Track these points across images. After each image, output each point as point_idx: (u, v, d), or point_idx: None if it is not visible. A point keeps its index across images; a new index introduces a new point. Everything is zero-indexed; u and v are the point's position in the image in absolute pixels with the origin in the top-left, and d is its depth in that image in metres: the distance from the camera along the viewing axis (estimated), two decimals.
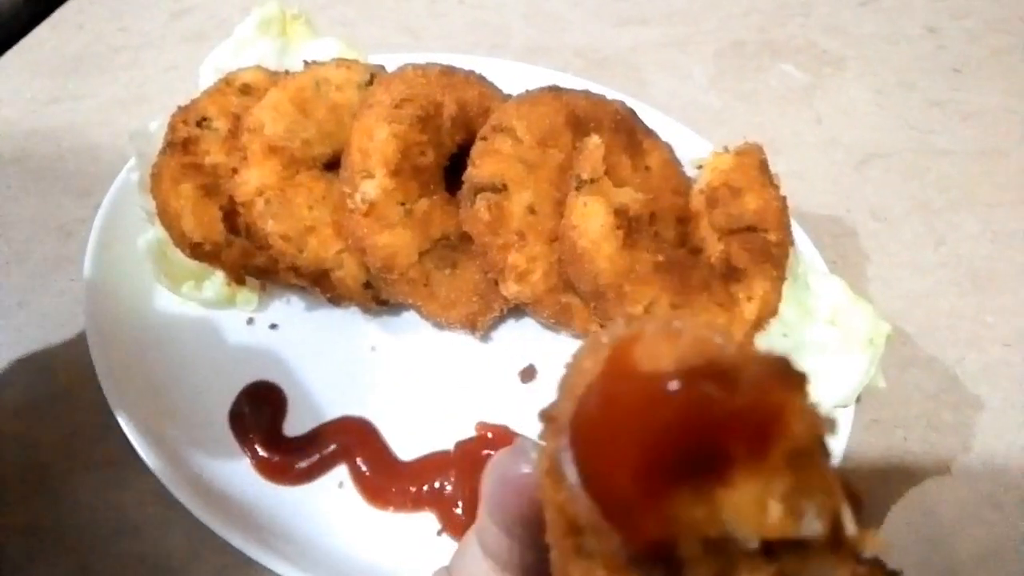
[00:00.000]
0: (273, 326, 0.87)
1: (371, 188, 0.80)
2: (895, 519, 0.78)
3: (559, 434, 0.29)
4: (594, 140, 0.82)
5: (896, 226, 1.05)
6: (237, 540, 0.67)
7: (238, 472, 0.76)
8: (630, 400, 0.26)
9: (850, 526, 0.24)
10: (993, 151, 1.16)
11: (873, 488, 0.80)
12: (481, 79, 0.90)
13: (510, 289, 0.82)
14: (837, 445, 0.76)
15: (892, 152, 1.15)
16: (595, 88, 0.93)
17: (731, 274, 0.81)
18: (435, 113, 0.84)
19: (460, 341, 0.87)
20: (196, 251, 0.82)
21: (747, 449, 0.23)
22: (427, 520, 0.74)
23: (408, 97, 0.83)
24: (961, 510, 0.79)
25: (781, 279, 0.81)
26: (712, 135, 1.00)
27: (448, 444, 0.79)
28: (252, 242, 0.82)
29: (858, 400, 0.79)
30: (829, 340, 0.78)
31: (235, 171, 0.82)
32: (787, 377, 0.24)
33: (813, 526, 0.24)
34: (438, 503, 0.75)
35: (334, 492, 0.76)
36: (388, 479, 0.76)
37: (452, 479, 0.76)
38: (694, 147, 0.96)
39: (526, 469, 0.36)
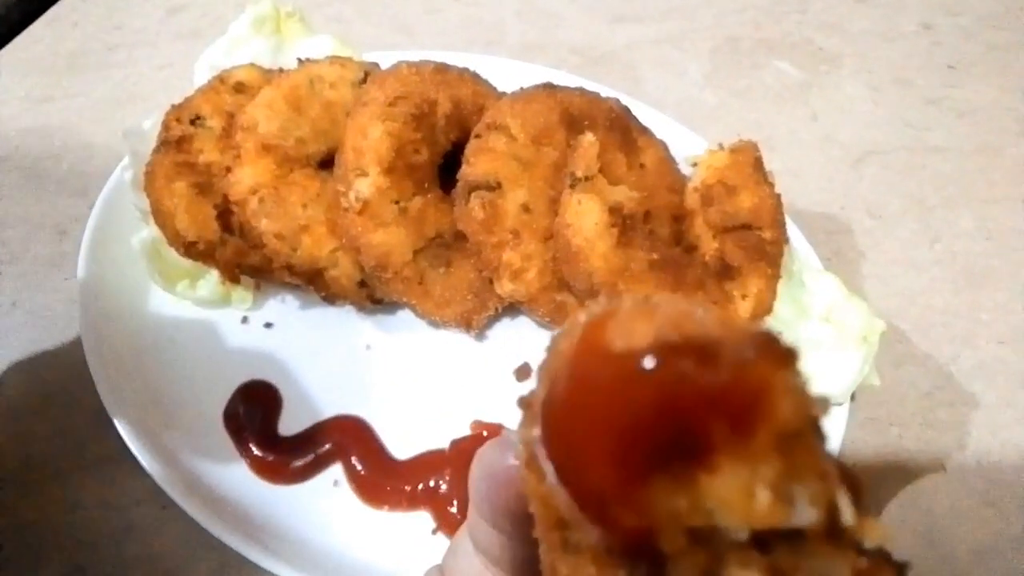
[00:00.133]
0: (268, 325, 0.87)
1: (365, 186, 0.80)
2: (890, 516, 0.78)
3: (535, 421, 0.27)
4: (588, 138, 0.82)
5: (891, 223, 1.05)
6: (232, 539, 0.67)
7: (233, 471, 0.76)
8: (602, 381, 0.23)
9: (848, 514, 0.22)
10: (988, 148, 1.16)
11: (868, 486, 0.80)
12: (475, 77, 0.90)
13: (505, 287, 0.82)
14: (832, 443, 0.76)
15: (887, 149, 1.15)
16: (590, 86, 0.93)
17: (726, 272, 0.81)
18: (429, 111, 0.84)
19: (455, 339, 0.87)
20: (190, 250, 0.82)
21: (731, 431, 0.21)
22: (422, 519, 0.74)
23: (402, 95, 0.83)
24: (956, 507, 0.79)
25: (776, 277, 0.81)
26: (707, 132, 1.00)
27: (443, 443, 0.79)
28: (246, 241, 0.82)
29: (853, 398, 0.80)
30: (824, 337, 0.78)
31: (229, 169, 0.82)
32: (774, 352, 0.22)
33: (806, 514, 0.22)
34: (433, 502, 0.75)
35: (329, 491, 0.76)
36: (383, 478, 0.76)
37: (447, 478, 0.76)
38: (689, 145, 0.96)
39: (512, 461, 0.34)
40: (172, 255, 0.84)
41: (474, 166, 0.82)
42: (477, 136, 0.84)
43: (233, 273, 0.85)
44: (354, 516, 0.74)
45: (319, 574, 0.67)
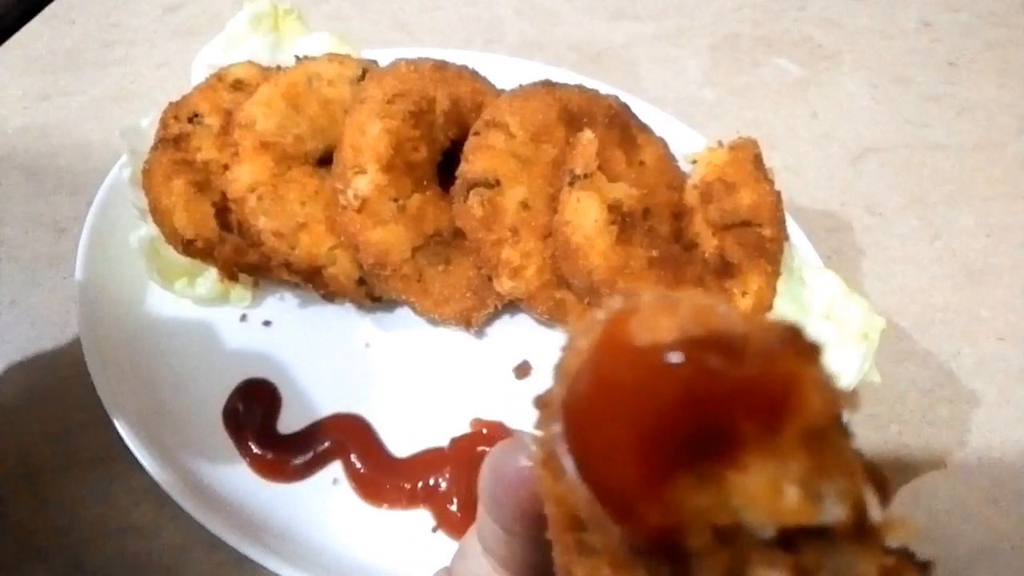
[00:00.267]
0: (266, 323, 0.87)
1: (363, 184, 0.80)
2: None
3: (553, 420, 0.26)
4: (587, 135, 0.82)
5: (891, 221, 1.05)
6: (231, 538, 0.67)
7: (232, 469, 0.75)
8: (626, 376, 0.23)
9: (875, 511, 0.22)
10: (988, 145, 1.15)
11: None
12: (474, 74, 0.90)
13: (504, 285, 0.82)
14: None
15: (887, 146, 1.15)
16: (589, 83, 0.93)
17: (725, 269, 0.81)
18: (428, 108, 0.84)
19: (454, 337, 0.87)
20: (188, 248, 0.81)
21: (758, 427, 0.21)
22: (422, 517, 0.74)
23: (400, 92, 0.83)
24: (957, 505, 0.79)
25: (775, 274, 0.81)
26: (706, 130, 1.00)
27: (443, 441, 0.78)
28: (245, 239, 0.81)
29: None
30: (823, 335, 0.78)
31: (227, 167, 0.82)
32: (800, 346, 0.22)
33: (834, 511, 0.21)
34: (433, 500, 0.75)
35: (328, 489, 0.75)
36: (383, 476, 0.76)
37: (447, 476, 0.76)
38: (688, 142, 0.95)
39: (524, 462, 0.34)
40: (170, 253, 0.84)
41: (473, 163, 0.82)
42: (476, 133, 0.84)
43: (231, 271, 0.85)
44: (353, 514, 0.74)
45: (318, 572, 0.67)
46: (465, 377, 0.84)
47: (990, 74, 1.26)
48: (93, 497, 0.76)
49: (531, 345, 0.87)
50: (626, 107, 0.92)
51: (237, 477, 0.75)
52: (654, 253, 0.79)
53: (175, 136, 0.84)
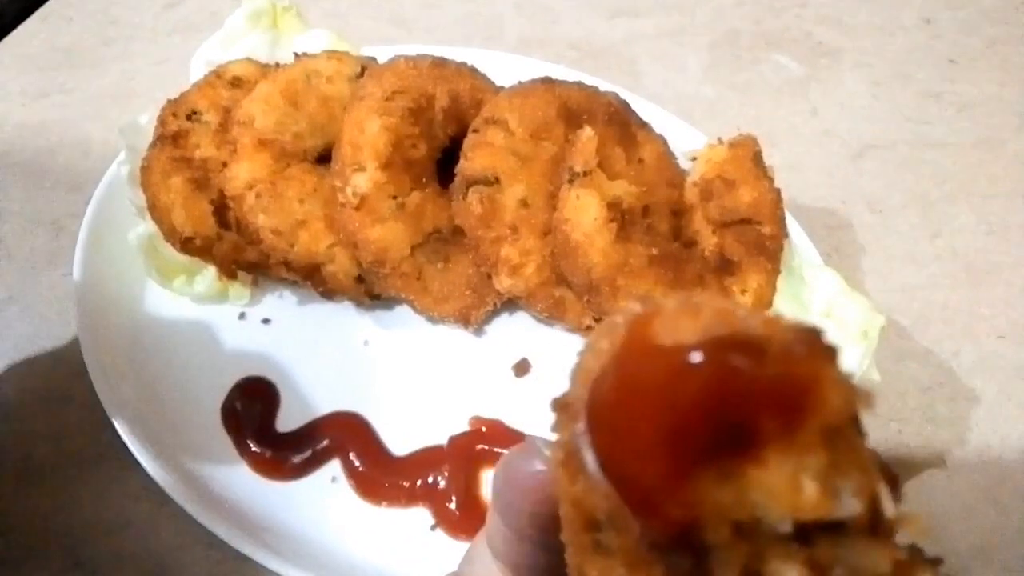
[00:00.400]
0: (265, 321, 0.87)
1: (362, 181, 0.79)
2: None
3: (575, 420, 0.27)
4: (587, 132, 0.82)
5: (891, 218, 1.05)
6: (230, 536, 0.67)
7: (230, 468, 0.75)
8: (651, 375, 0.24)
9: (889, 507, 0.23)
10: (989, 142, 1.15)
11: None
12: (473, 71, 0.90)
13: (503, 283, 0.82)
14: None
15: (887, 144, 1.15)
16: (588, 80, 0.92)
17: (725, 267, 0.80)
18: (427, 105, 0.84)
19: (453, 335, 0.87)
20: (187, 245, 0.81)
21: (779, 424, 0.22)
22: (420, 515, 0.74)
23: (399, 89, 0.82)
24: (956, 503, 0.79)
25: (775, 272, 0.81)
26: (706, 127, 1.00)
27: (441, 439, 0.78)
28: (243, 236, 0.81)
29: None
30: None
31: (225, 165, 0.81)
32: (819, 347, 0.22)
33: (850, 505, 0.22)
34: (431, 498, 0.75)
35: (327, 487, 0.75)
36: (381, 474, 0.76)
37: (445, 474, 0.76)
38: (688, 139, 0.95)
39: (538, 466, 0.35)
40: (169, 251, 0.84)
41: (472, 161, 0.82)
42: (475, 131, 0.84)
43: (230, 269, 0.84)
44: (352, 512, 0.74)
45: (317, 570, 0.67)
46: (464, 375, 0.84)
47: (991, 71, 1.26)
48: (91, 494, 0.76)
49: (530, 343, 0.86)
50: (626, 104, 0.91)
51: (235, 475, 0.75)
52: (654, 251, 0.79)
53: (173, 133, 0.83)
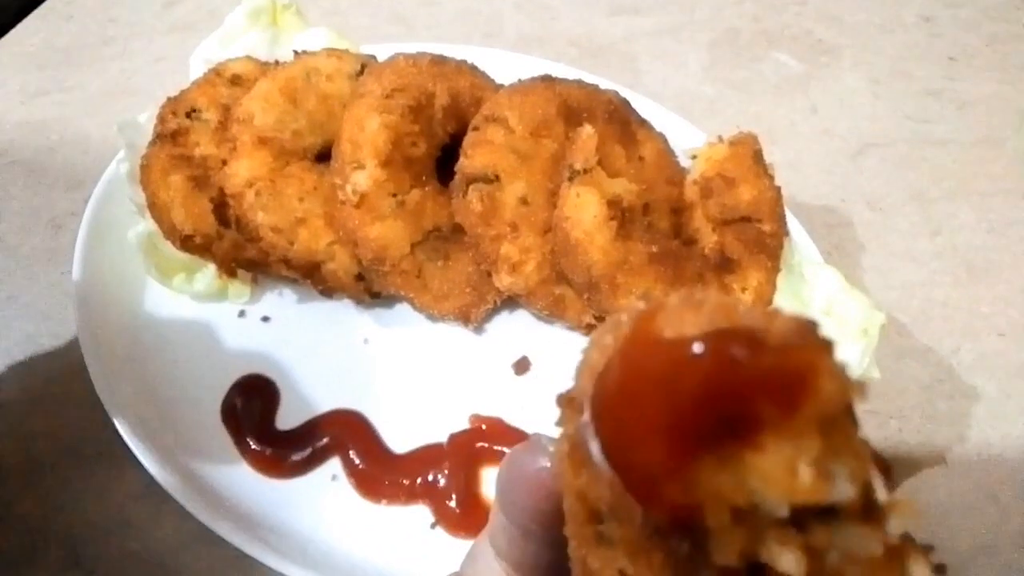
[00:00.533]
0: (265, 319, 0.87)
1: (362, 179, 0.79)
2: None
3: (580, 411, 0.28)
4: (587, 130, 0.81)
5: (891, 216, 1.05)
6: (230, 534, 0.67)
7: (230, 466, 0.75)
8: (655, 365, 0.25)
9: (881, 492, 0.24)
10: (989, 140, 1.15)
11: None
12: (473, 69, 0.89)
13: (503, 281, 0.82)
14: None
15: (887, 142, 1.15)
16: (588, 78, 0.92)
17: (725, 265, 0.80)
18: (427, 103, 0.84)
19: (453, 333, 0.87)
20: (186, 243, 0.81)
21: (776, 411, 0.23)
22: (420, 513, 0.74)
23: (399, 87, 0.82)
24: (957, 501, 0.79)
25: (776, 270, 0.81)
26: (706, 125, 1.00)
27: (441, 437, 0.78)
28: (243, 234, 0.81)
29: None
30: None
31: (225, 162, 0.81)
32: (816, 339, 0.23)
33: (844, 489, 0.23)
34: (431, 496, 0.75)
35: (327, 485, 0.75)
36: (381, 472, 0.76)
37: (445, 472, 0.76)
38: (688, 137, 0.95)
39: (543, 463, 0.35)
40: (168, 249, 0.84)
41: (472, 159, 0.82)
42: (475, 128, 0.83)
43: (230, 267, 0.84)
44: (352, 510, 0.74)
45: (317, 568, 0.67)
46: (464, 373, 0.84)
47: (990, 69, 1.26)
48: (92, 493, 0.76)
49: (530, 341, 0.86)
50: (626, 102, 0.91)
51: (235, 473, 0.75)
52: (654, 248, 0.79)
53: (173, 131, 0.83)
